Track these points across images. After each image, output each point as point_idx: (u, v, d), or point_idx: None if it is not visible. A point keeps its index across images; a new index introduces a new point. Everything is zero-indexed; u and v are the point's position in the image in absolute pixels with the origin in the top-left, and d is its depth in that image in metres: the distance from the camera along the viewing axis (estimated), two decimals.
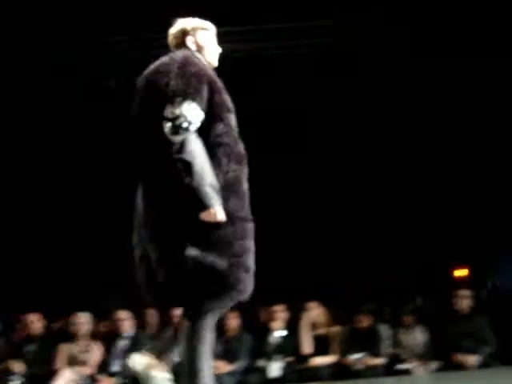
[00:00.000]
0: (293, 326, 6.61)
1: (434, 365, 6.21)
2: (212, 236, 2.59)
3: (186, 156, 2.52)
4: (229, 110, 2.77)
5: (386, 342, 6.35)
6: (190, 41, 2.92)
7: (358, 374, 6.01)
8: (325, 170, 8.71)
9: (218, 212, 2.55)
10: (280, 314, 6.63)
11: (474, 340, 6.19)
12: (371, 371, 6.08)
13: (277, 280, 7.90)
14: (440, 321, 6.73)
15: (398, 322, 6.76)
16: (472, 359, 6.03)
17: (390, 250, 8.78)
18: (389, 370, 6.19)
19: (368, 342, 6.33)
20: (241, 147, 2.79)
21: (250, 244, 2.73)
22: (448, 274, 9.91)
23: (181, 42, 2.92)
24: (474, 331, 6.26)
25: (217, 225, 2.57)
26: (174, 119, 2.54)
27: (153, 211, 2.66)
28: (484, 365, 6.01)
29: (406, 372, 6.17)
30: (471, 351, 6.10)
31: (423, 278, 8.52)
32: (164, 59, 2.78)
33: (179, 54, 2.78)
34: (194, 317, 2.63)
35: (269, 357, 6.37)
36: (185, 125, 2.54)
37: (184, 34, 2.93)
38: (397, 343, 6.52)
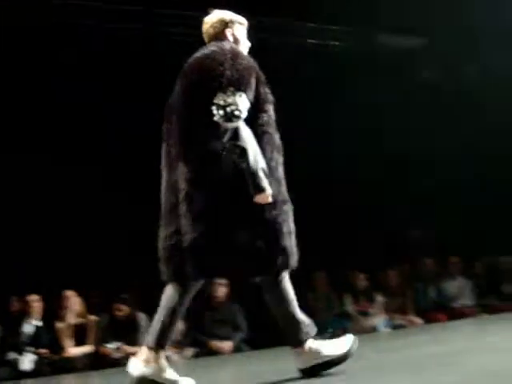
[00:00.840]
0: (48, 316, 6.35)
1: (190, 351, 6.37)
2: (266, 216, 2.80)
3: (241, 142, 2.72)
4: (271, 102, 2.96)
5: (144, 330, 6.36)
6: (229, 33, 3.08)
7: (116, 364, 5.94)
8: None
9: (269, 195, 2.74)
10: (34, 304, 6.32)
11: (229, 327, 6.48)
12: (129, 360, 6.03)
13: (31, 269, 7.52)
14: (196, 308, 6.92)
15: (155, 311, 6.81)
16: (227, 345, 6.29)
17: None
18: None
19: (126, 330, 6.30)
20: (279, 137, 2.95)
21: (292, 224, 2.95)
22: None
23: (219, 32, 3.06)
24: (228, 318, 6.55)
25: (268, 206, 2.79)
26: (226, 106, 2.67)
27: (204, 196, 2.75)
28: (237, 350, 6.30)
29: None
30: (226, 338, 6.37)
31: None
32: (213, 48, 2.92)
33: (227, 46, 2.93)
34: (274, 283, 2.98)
35: (20, 349, 6.04)
36: (237, 113, 2.68)
37: (223, 25, 3.08)
38: None
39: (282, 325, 3.09)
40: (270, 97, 2.98)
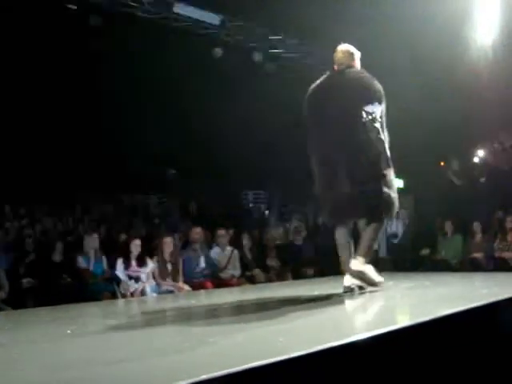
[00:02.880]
0: None
1: None
2: (389, 181, 4.45)
3: (382, 136, 4.43)
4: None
5: None
6: (357, 64, 4.72)
7: None
8: None
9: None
10: None
11: None
12: None
13: None
14: None
15: None
16: None
17: None
18: None
19: None
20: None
21: None
22: None
23: (351, 62, 4.66)
24: None
25: (389, 175, 4.47)
26: (372, 113, 4.37)
27: (356, 167, 4.35)
28: None
29: None
30: None
31: None
32: (357, 72, 4.61)
33: (365, 73, 4.57)
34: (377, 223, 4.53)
35: None
36: (378, 118, 4.40)
37: (353, 57, 4.69)
38: None
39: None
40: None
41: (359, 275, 4.40)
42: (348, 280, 4.44)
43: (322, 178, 4.51)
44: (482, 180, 10.46)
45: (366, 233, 4.51)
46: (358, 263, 4.40)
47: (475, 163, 11.21)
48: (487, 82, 9.42)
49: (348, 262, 4.47)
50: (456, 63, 9.02)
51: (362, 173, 4.34)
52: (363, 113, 4.33)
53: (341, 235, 4.64)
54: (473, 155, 11.32)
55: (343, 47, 4.69)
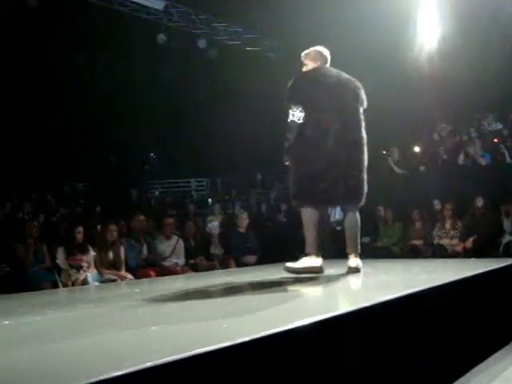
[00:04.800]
0: None
1: None
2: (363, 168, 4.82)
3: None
4: None
5: None
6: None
7: None
8: None
9: None
10: None
11: None
12: None
13: None
14: None
15: None
16: None
17: None
18: None
19: None
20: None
21: None
22: None
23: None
24: None
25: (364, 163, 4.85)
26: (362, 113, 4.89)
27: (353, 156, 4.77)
28: None
29: None
30: None
31: None
32: (346, 76, 4.91)
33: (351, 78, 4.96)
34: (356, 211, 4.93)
35: None
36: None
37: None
38: None
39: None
40: None
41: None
42: (353, 261, 4.84)
43: (310, 161, 4.69)
44: (422, 169, 10.73)
45: (354, 227, 4.89)
46: (356, 260, 4.85)
47: (415, 153, 11.46)
48: (429, 79, 9.74)
49: (314, 244, 4.72)
50: (403, 62, 9.30)
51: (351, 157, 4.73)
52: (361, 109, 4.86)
53: (312, 214, 4.74)
54: (413, 145, 11.58)
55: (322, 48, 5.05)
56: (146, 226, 8.29)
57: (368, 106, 4.88)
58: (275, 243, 9.48)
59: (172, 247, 8.18)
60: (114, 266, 7.33)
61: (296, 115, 4.65)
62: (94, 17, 9.07)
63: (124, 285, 6.56)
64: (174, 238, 8.29)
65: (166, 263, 8.01)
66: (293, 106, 4.68)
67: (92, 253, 7.22)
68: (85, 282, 6.86)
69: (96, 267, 7.19)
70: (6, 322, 3.20)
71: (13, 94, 10.08)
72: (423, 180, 10.32)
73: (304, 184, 4.72)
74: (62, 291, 6.34)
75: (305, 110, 4.65)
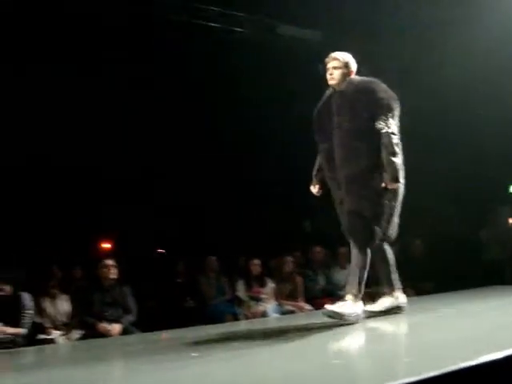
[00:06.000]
0: None
1: (77, 334, 6.20)
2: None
3: None
4: None
5: (28, 311, 6.11)
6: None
7: None
8: None
9: None
10: None
11: (118, 309, 6.35)
12: (11, 342, 5.79)
13: None
14: (85, 290, 6.75)
15: (42, 290, 6.61)
16: (116, 327, 6.14)
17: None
18: (31, 340, 5.97)
19: (9, 310, 6.03)
20: None
21: None
22: (95, 246, 10.20)
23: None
24: (118, 300, 6.42)
25: None
26: None
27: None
28: (125, 332, 6.17)
29: (49, 341, 6.04)
30: (115, 320, 6.23)
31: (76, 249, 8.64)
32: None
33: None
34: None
35: None
36: None
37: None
38: (40, 312, 6.38)
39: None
40: None
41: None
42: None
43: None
44: None
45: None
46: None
47: None
48: None
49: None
50: None
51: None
52: None
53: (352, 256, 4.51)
54: None
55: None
56: (323, 257, 8.31)
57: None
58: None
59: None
60: (293, 296, 7.41)
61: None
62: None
63: (303, 316, 6.59)
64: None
65: (343, 293, 7.93)
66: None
67: (271, 284, 7.35)
68: (264, 314, 6.99)
69: (275, 298, 7.30)
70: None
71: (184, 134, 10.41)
72: None
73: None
74: (243, 323, 6.48)
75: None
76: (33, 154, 8.96)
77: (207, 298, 7.55)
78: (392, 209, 4.32)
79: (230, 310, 7.22)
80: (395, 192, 4.29)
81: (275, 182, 10.28)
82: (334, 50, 4.60)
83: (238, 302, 7.26)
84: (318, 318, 5.74)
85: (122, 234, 9.91)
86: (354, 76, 4.57)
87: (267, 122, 10.06)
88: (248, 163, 10.48)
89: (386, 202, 4.26)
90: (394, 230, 4.44)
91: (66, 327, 6.35)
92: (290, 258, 7.65)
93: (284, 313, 7.04)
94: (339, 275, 8.11)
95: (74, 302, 6.60)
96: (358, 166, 4.25)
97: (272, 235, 10.69)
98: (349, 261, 8.10)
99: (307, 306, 7.28)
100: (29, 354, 5.08)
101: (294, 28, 9.58)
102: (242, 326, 6.11)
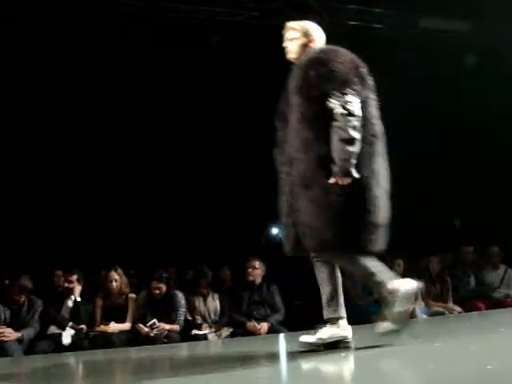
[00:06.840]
0: (88, 292, 6.44)
1: (226, 331, 6.41)
2: None
3: None
4: None
5: (181, 308, 6.41)
6: None
7: (153, 341, 5.99)
8: None
9: None
10: (75, 280, 6.41)
11: (266, 308, 6.49)
12: (166, 337, 6.11)
13: (75, 246, 7.64)
14: (234, 289, 6.95)
15: (194, 289, 6.89)
16: (264, 326, 6.28)
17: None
18: (184, 336, 6.26)
19: (164, 308, 6.35)
20: None
21: None
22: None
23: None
24: (266, 299, 6.55)
25: None
26: None
27: None
28: (273, 331, 6.27)
29: (201, 338, 6.30)
30: (263, 319, 6.37)
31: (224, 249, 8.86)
32: None
33: None
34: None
35: (61, 324, 6.15)
36: None
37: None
38: (192, 310, 6.67)
39: None
40: None
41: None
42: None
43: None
44: None
45: None
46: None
47: None
48: None
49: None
50: None
51: None
52: None
53: None
54: None
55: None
56: (473, 257, 7.99)
57: None
58: None
59: (500, 277, 7.75)
60: (441, 298, 7.19)
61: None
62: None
63: (452, 318, 6.39)
64: (502, 268, 7.83)
65: (496, 295, 7.59)
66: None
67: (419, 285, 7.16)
68: (413, 315, 6.83)
69: (423, 299, 7.12)
70: None
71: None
72: None
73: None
74: None
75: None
76: None
77: (354, 298, 7.48)
78: (352, 211, 3.37)
79: (376, 310, 7.12)
80: (351, 189, 3.32)
81: None
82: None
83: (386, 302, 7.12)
84: (469, 320, 5.54)
85: None
86: (316, 46, 3.70)
87: None
88: None
89: (336, 201, 3.34)
90: (369, 237, 3.47)
91: (216, 325, 6.57)
92: (436, 259, 7.43)
93: (432, 314, 6.85)
94: (491, 276, 7.77)
95: (223, 300, 6.82)
96: (307, 161, 3.40)
97: (417, 234, 10.41)
98: (501, 260, 7.83)
99: (457, 308, 7.04)
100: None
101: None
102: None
